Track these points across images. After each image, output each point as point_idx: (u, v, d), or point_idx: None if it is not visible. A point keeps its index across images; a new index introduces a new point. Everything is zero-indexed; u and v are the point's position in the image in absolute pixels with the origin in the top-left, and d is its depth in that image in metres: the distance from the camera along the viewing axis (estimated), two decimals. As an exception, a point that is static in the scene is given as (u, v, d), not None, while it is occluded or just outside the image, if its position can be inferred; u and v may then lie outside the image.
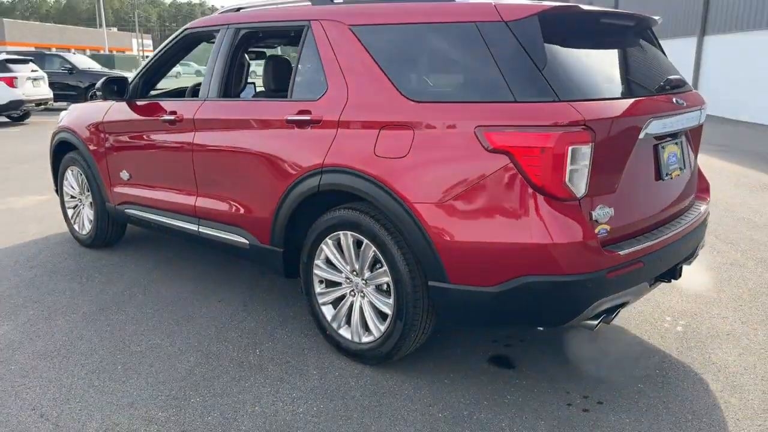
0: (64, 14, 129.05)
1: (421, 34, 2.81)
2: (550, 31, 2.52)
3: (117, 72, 20.53)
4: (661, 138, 2.81)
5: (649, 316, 3.66)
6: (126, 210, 4.42)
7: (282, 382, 2.90)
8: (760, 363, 3.11)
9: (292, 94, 3.26)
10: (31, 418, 2.62)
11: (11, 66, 14.84)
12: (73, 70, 19.29)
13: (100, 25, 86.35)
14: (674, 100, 2.84)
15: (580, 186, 2.41)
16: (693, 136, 3.24)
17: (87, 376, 2.95)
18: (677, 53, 16.27)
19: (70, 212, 5.12)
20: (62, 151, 5.02)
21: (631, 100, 2.63)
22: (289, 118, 3.14)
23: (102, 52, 67.24)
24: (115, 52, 40.47)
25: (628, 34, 3.03)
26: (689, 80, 16.41)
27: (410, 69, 2.86)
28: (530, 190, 2.40)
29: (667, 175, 2.86)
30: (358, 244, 2.94)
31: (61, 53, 20.25)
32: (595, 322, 2.59)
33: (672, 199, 2.97)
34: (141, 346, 3.26)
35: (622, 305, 2.66)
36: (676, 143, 2.97)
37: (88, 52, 62.35)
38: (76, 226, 5.07)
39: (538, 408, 2.69)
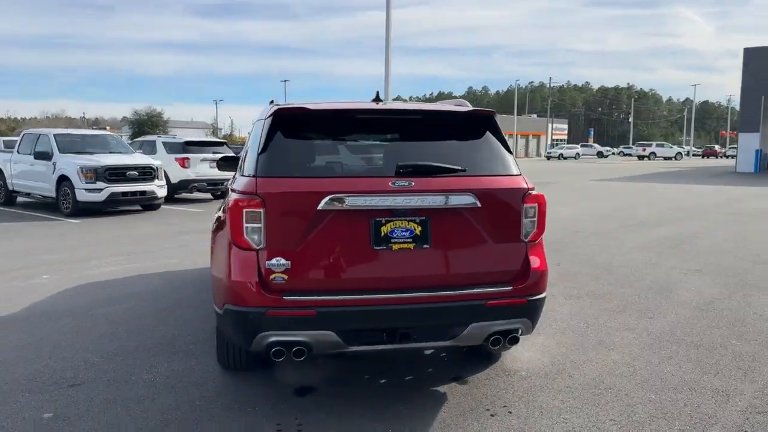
0: (500, 104, 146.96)
1: (258, 125, 3.86)
2: (281, 125, 3.35)
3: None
4: (382, 212, 3.19)
5: (483, 403, 3.61)
6: None
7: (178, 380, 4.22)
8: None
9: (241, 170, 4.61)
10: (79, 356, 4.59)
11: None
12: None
13: (528, 113, 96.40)
14: (392, 183, 3.19)
15: (256, 240, 3.16)
16: (480, 218, 3.32)
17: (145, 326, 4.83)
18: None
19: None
20: None
21: (313, 179, 3.18)
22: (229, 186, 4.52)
23: (509, 135, 74.94)
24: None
25: (373, 126, 3.46)
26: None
27: (252, 148, 3.84)
28: (231, 240, 3.27)
29: (384, 246, 3.19)
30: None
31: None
32: (271, 351, 3.16)
33: (404, 268, 3.23)
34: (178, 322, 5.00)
35: (305, 346, 3.14)
36: (412, 220, 3.23)
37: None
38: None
39: (270, 408, 3.37)
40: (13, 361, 4.24)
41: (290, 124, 3.40)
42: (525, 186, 3.45)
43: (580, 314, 5.44)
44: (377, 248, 3.22)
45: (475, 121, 3.58)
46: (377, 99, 3.78)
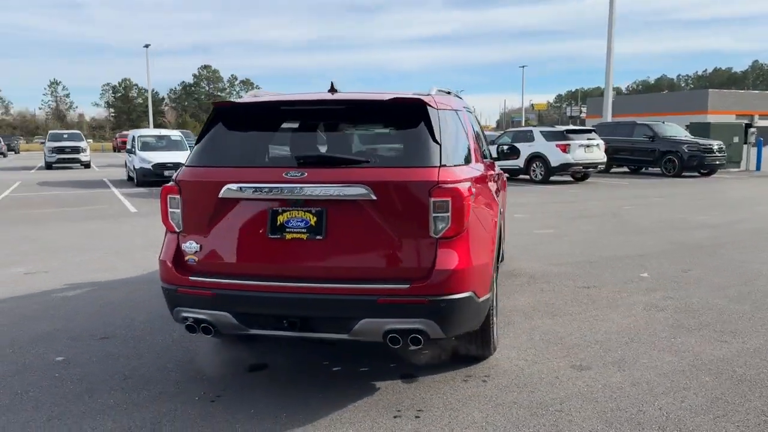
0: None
1: None
2: (216, 118, 3.61)
3: (702, 140, 20.78)
4: (288, 202, 3.27)
5: (401, 404, 3.43)
6: None
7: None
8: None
9: None
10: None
11: (570, 135, 18.11)
12: (654, 138, 20.88)
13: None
14: (285, 173, 3.22)
15: (177, 223, 3.50)
16: (380, 212, 3.17)
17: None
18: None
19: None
20: None
21: (219, 169, 3.34)
22: None
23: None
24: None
25: (297, 117, 3.45)
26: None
27: None
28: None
29: (278, 235, 3.25)
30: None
31: (648, 122, 22.04)
32: (185, 325, 3.47)
33: (298, 258, 3.25)
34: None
35: (209, 324, 3.39)
36: (309, 211, 3.21)
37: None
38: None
39: (210, 379, 3.73)
40: (89, 315, 5.23)
41: (223, 117, 3.63)
42: (434, 179, 3.19)
43: (635, 328, 4.70)
44: (272, 237, 3.31)
45: (399, 110, 3.41)
46: (332, 90, 3.80)
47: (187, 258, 3.49)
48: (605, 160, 18.90)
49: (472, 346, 3.88)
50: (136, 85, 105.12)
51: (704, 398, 3.46)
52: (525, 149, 18.78)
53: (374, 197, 3.17)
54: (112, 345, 4.45)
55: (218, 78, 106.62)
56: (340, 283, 3.23)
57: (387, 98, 3.40)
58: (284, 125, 3.63)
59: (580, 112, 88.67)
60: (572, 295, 5.66)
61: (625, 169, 22.73)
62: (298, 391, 3.62)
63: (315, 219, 3.26)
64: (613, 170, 22.54)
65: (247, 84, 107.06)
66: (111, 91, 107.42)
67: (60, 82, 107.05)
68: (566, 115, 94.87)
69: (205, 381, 3.80)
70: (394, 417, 3.29)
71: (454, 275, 3.20)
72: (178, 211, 3.50)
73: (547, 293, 5.75)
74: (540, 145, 18.46)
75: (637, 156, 21.42)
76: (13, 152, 53.94)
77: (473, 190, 3.44)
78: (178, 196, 3.49)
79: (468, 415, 3.29)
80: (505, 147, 6.27)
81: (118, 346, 4.44)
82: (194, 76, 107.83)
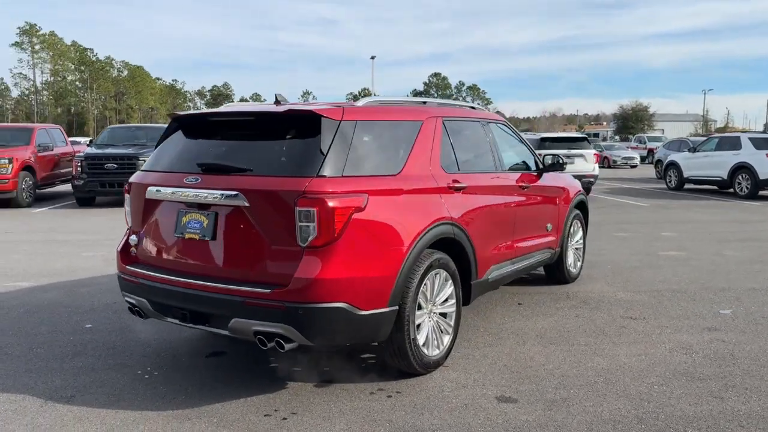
0: None
1: None
2: (171, 128, 4.08)
3: None
4: (188, 204, 3.61)
5: (287, 405, 3.51)
6: None
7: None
8: None
9: None
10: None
11: (787, 143, 15.34)
12: None
13: None
14: (185, 179, 3.54)
15: (128, 220, 4.05)
16: (256, 218, 3.34)
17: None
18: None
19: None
20: None
21: (150, 173, 3.77)
22: None
23: None
24: None
25: (220, 128, 3.75)
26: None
27: None
28: None
29: (180, 234, 3.58)
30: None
31: None
32: (127, 307, 4.00)
33: (193, 257, 3.56)
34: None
35: (140, 308, 3.86)
36: (203, 214, 3.49)
37: None
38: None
39: (163, 361, 4.25)
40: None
41: (172, 127, 4.09)
42: (301, 189, 3.24)
43: (627, 369, 4.09)
44: (176, 236, 3.67)
45: (295, 121, 3.51)
46: (277, 102, 4.02)
47: (131, 250, 4.04)
48: (834, 173, 15.56)
49: (390, 359, 3.81)
50: (374, 93, 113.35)
51: (601, 455, 2.97)
52: (729, 159, 16.39)
53: (247, 204, 3.36)
54: (136, 319, 5.20)
55: (446, 85, 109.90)
56: (219, 282, 3.48)
57: (282, 110, 3.54)
58: (206, 134, 3.96)
59: None
60: (603, 325, 5.04)
61: None
62: (219, 379, 3.92)
63: (207, 221, 3.55)
64: None
65: (474, 90, 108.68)
66: (352, 99, 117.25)
67: (311, 92, 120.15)
68: None
69: (163, 359, 4.30)
70: (265, 415, 3.42)
71: (316, 284, 3.23)
72: (128, 209, 4.06)
73: (579, 319, 5.20)
74: (747, 154, 15.84)
75: None
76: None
77: (367, 201, 3.41)
78: (128, 196, 4.05)
79: (331, 426, 3.28)
80: (560, 159, 5.82)
81: (139, 321, 5.16)
82: (424, 84, 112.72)
